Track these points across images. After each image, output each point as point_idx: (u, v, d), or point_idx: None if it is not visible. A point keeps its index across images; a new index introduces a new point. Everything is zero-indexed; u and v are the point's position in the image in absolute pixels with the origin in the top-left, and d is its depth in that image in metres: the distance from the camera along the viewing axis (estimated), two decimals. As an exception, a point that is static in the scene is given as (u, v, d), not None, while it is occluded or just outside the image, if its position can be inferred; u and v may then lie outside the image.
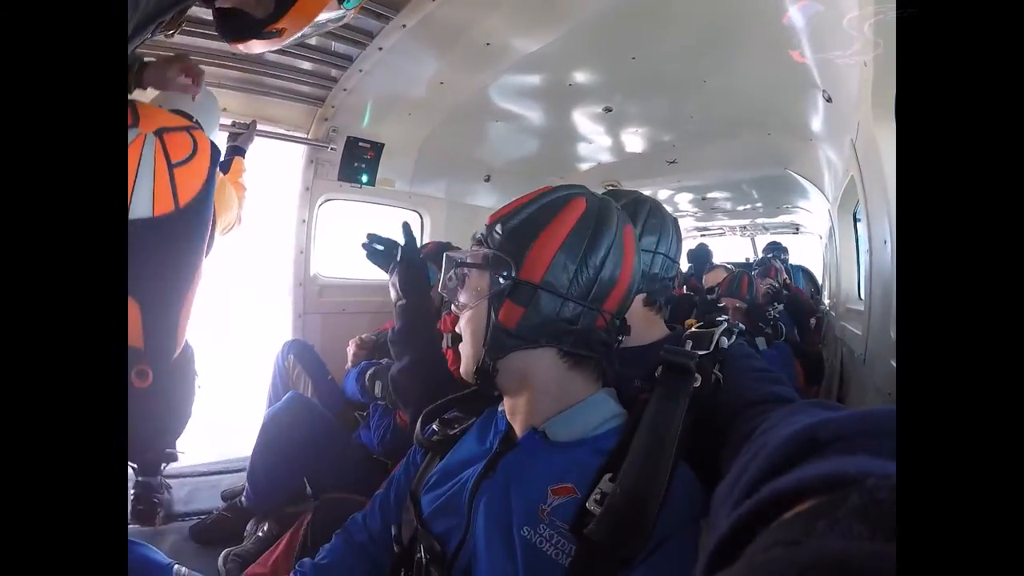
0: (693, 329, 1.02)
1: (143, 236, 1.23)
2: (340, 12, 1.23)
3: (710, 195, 3.74)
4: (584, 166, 3.17)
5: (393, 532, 0.93)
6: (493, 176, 3.14)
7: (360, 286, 2.97)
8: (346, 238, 3.04)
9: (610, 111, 2.38)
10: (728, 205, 4.06)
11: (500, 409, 0.92)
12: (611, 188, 1.35)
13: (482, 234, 0.86)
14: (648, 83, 2.11)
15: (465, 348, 0.86)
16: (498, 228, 0.83)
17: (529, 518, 0.73)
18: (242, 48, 1.27)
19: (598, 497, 0.70)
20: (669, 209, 4.21)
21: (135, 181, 1.25)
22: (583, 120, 2.55)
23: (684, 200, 4.04)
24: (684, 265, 5.00)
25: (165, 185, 1.27)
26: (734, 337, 0.98)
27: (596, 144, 2.86)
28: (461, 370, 0.88)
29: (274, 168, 2.55)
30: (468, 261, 0.85)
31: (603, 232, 0.81)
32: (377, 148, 2.63)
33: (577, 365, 0.82)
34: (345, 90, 2.19)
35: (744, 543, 0.29)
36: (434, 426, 0.98)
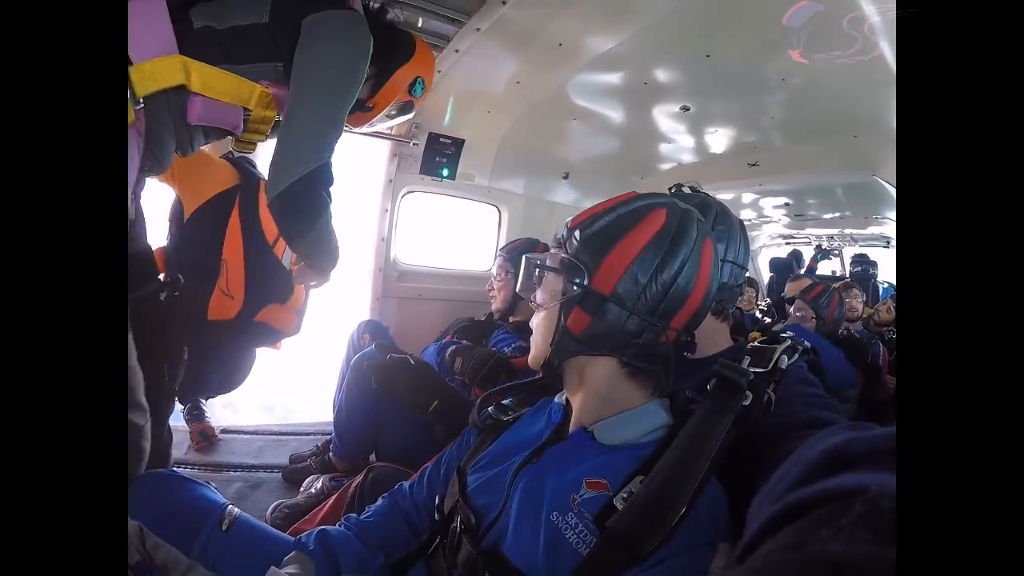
0: (755, 344, 1.00)
1: None
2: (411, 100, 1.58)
3: (794, 201, 3.48)
4: (664, 166, 3.09)
5: (436, 502, 1.00)
6: (572, 174, 3.14)
7: (437, 274, 3.11)
8: (428, 228, 3.21)
9: (688, 110, 2.32)
10: (813, 212, 3.78)
11: (556, 400, 0.96)
12: (683, 190, 1.33)
13: (562, 237, 0.89)
14: (725, 82, 2.03)
15: (535, 342, 0.91)
16: (576, 234, 0.85)
17: (560, 505, 0.78)
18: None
19: (625, 495, 0.74)
20: (753, 215, 3.99)
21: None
22: (662, 119, 2.50)
23: (769, 205, 3.82)
24: (765, 275, 4.70)
25: None
26: (796, 356, 0.97)
27: (676, 144, 2.79)
28: (529, 361, 0.93)
29: (361, 161, 2.74)
30: (547, 264, 0.89)
31: (679, 248, 0.82)
32: (458, 144, 2.74)
33: (634, 375, 0.85)
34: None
35: None
36: (490, 410, 1.05)
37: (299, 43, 1.18)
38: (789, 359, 0.95)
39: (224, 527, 1.04)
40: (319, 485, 2.00)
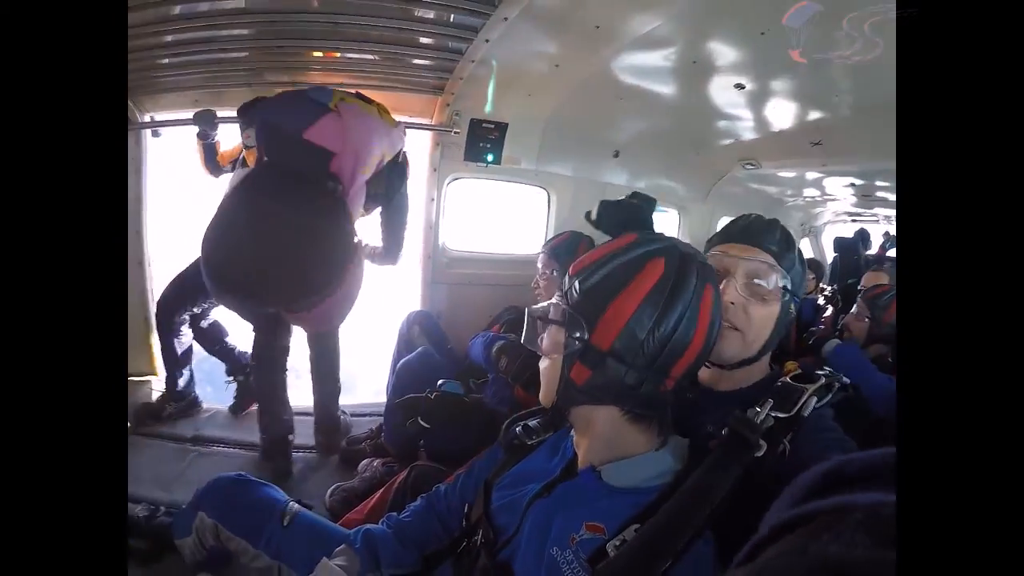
0: (787, 379, 0.96)
1: None
2: None
3: (860, 182, 3.15)
4: (720, 142, 2.90)
5: (465, 510, 1.09)
6: (622, 152, 3.01)
7: (486, 259, 3.11)
8: (479, 211, 3.21)
9: (742, 88, 2.14)
10: (882, 194, 3.44)
11: (572, 434, 1.00)
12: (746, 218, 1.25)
13: (565, 287, 0.90)
14: (782, 59, 1.85)
15: (543, 385, 0.93)
16: (576, 285, 0.87)
17: (561, 541, 0.82)
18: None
19: (618, 543, 0.77)
20: (816, 192, 3.69)
21: None
22: (716, 96, 2.34)
23: (834, 184, 3.53)
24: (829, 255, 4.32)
25: None
26: (829, 396, 0.93)
27: (732, 120, 2.62)
28: (540, 399, 0.96)
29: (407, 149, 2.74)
30: (549, 317, 0.90)
31: (677, 300, 0.82)
32: (501, 128, 2.69)
33: (637, 421, 0.88)
34: (461, 79, 2.27)
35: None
36: (517, 430, 1.09)
37: (388, 204, 2.18)
38: (820, 399, 0.91)
39: (285, 523, 1.23)
40: (372, 470, 2.11)
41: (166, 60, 1.91)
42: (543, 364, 0.93)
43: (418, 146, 2.71)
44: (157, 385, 2.68)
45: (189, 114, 2.20)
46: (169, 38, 1.84)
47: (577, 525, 0.83)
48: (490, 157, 2.75)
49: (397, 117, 2.16)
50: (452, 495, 1.20)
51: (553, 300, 0.92)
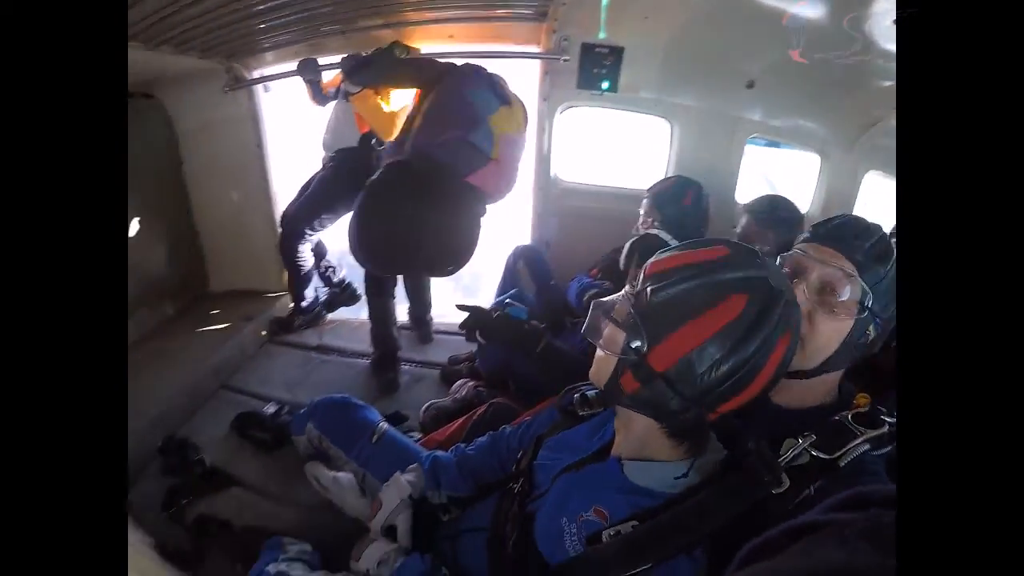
0: (847, 416, 0.86)
1: None
2: None
3: None
4: (875, 83, 2.40)
5: (519, 456, 1.21)
6: (758, 82, 2.61)
7: (601, 192, 3.01)
8: (594, 143, 3.04)
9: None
10: None
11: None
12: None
13: (638, 286, 0.87)
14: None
15: (595, 368, 0.93)
16: (648, 291, 0.83)
17: (572, 516, 0.93)
18: None
19: (613, 532, 0.85)
20: None
21: None
22: (872, 28, 1.90)
23: None
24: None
25: None
26: (889, 448, 0.83)
27: (890, 59, 2.11)
28: (590, 376, 0.97)
29: (516, 79, 2.63)
30: (613, 315, 0.88)
31: (748, 344, 0.78)
32: (616, 53, 2.47)
33: (672, 435, 0.90)
34: (564, 3, 2.11)
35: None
36: (575, 398, 1.16)
37: None
38: (875, 448, 0.81)
39: (374, 440, 1.51)
40: (464, 392, 2.28)
41: (263, 25, 2.03)
42: (599, 352, 0.92)
43: (527, 75, 2.61)
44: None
45: (293, 65, 2.38)
46: (261, 7, 1.94)
47: (588, 506, 0.90)
48: (605, 84, 2.56)
49: (500, 47, 2.08)
50: (512, 439, 1.35)
51: (622, 293, 0.89)
